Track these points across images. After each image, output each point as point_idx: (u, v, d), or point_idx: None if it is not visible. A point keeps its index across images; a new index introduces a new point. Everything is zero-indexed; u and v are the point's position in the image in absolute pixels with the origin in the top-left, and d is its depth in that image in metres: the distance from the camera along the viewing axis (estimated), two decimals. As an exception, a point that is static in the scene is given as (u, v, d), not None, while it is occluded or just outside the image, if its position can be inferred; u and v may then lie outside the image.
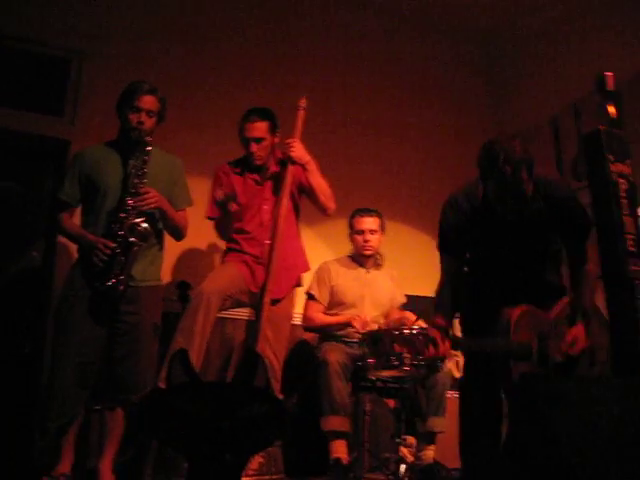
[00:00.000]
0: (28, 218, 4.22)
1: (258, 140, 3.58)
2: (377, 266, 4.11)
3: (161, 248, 3.33)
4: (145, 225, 3.07)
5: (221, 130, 4.27)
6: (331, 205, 3.64)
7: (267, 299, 3.35)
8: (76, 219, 3.30)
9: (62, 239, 3.61)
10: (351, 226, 4.10)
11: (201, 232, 3.84)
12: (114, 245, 3.02)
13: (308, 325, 3.99)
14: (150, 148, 3.14)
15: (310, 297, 4.01)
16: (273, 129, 3.63)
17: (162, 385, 3.03)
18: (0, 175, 4.23)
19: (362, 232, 4.03)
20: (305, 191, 3.68)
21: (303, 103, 3.61)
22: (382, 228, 4.09)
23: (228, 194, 3.47)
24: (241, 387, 2.19)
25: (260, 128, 3.58)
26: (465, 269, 2.85)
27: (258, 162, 3.62)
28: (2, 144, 4.21)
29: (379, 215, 4.08)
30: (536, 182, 2.59)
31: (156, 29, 4.53)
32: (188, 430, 1.99)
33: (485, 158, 2.58)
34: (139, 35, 4.46)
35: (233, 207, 3.49)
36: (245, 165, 3.68)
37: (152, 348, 3.20)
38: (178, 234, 3.40)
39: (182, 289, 3.66)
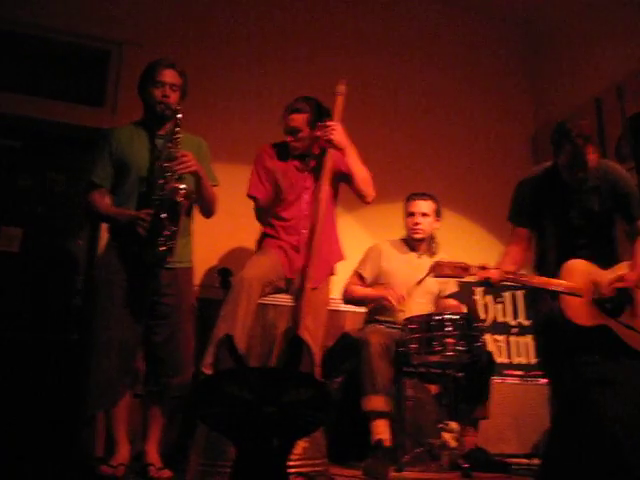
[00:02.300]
0: (73, 207, 4.27)
1: (294, 131, 3.59)
2: (431, 253, 4.06)
3: (190, 230, 3.32)
4: (185, 186, 3.03)
5: (256, 116, 4.34)
6: (371, 192, 3.61)
7: (308, 285, 3.33)
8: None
9: (105, 228, 3.67)
10: (404, 209, 4.10)
11: (241, 219, 3.87)
12: (153, 211, 3.01)
13: (346, 296, 4.00)
14: (181, 116, 3.13)
15: (357, 274, 4.01)
16: (313, 122, 3.61)
17: (207, 371, 3.06)
18: (43, 165, 4.34)
19: (413, 214, 4.02)
20: (344, 178, 3.65)
21: (342, 89, 3.56)
22: (436, 213, 4.06)
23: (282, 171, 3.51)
24: (287, 372, 2.19)
25: (297, 120, 3.58)
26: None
27: (295, 151, 3.63)
28: (45, 135, 4.31)
29: (434, 199, 4.05)
30: (598, 159, 3.06)
31: (193, 17, 4.57)
32: (236, 415, 2.00)
33: (559, 132, 3.03)
34: (177, 23, 4.51)
35: (285, 181, 3.53)
36: (287, 151, 3.67)
37: (191, 330, 3.23)
38: (209, 207, 3.36)
39: (224, 276, 3.68)
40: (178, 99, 3.21)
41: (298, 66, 4.72)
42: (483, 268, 2.98)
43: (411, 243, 4.08)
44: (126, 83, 4.24)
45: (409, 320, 3.55)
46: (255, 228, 3.74)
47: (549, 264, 3.11)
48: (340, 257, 3.74)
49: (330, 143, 3.51)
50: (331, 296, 3.73)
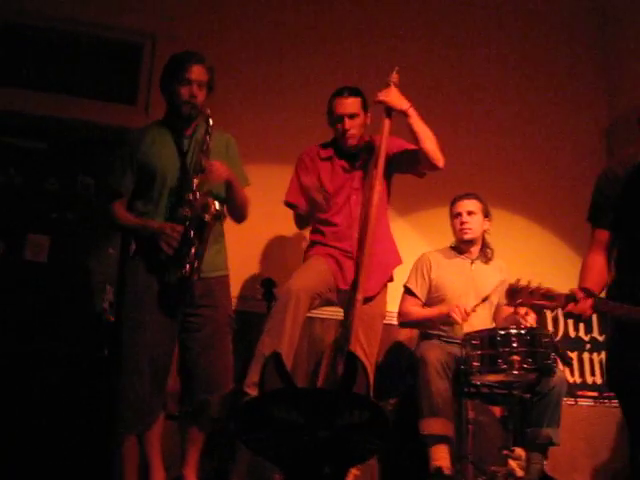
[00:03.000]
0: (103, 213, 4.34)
1: (352, 116, 3.58)
2: (485, 259, 4.06)
3: (223, 235, 3.33)
4: (218, 205, 3.06)
5: (293, 109, 4.37)
6: (440, 156, 3.52)
7: (359, 297, 3.33)
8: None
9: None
10: (450, 214, 4.10)
11: (285, 223, 3.87)
12: (183, 229, 3.03)
13: (404, 320, 3.98)
14: (212, 122, 3.14)
15: (407, 291, 3.99)
16: (365, 107, 3.63)
17: (251, 391, 3.07)
18: (71, 169, 4.40)
19: (459, 214, 4.02)
20: (398, 163, 3.62)
21: (395, 78, 3.57)
22: (484, 213, 4.05)
23: (317, 186, 3.50)
24: (340, 393, 2.21)
25: (354, 104, 3.59)
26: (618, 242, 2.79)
27: (351, 142, 3.61)
28: (72, 136, 4.37)
29: (478, 198, 4.05)
30: None
31: (229, 9, 4.63)
32: (284, 440, 2.02)
33: None
34: (211, 16, 4.55)
35: (319, 197, 3.52)
36: (334, 150, 3.67)
37: (229, 343, 3.23)
38: (242, 213, 3.39)
39: (267, 287, 3.68)
40: (205, 97, 3.23)
41: (341, 54, 4.71)
42: (573, 299, 2.49)
43: (462, 248, 4.07)
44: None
45: (470, 335, 3.53)
46: (302, 234, 3.79)
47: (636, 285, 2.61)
48: (397, 261, 3.72)
49: (387, 110, 3.49)
50: (388, 307, 3.72)
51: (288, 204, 3.67)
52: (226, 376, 3.19)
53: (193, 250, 3.02)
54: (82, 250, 4.31)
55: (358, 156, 3.67)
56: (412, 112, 3.51)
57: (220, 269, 3.27)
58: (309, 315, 3.57)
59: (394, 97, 3.52)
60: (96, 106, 4.31)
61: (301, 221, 3.72)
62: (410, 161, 3.62)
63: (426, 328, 3.95)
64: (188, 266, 3.02)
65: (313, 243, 3.67)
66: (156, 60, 4.32)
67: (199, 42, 4.19)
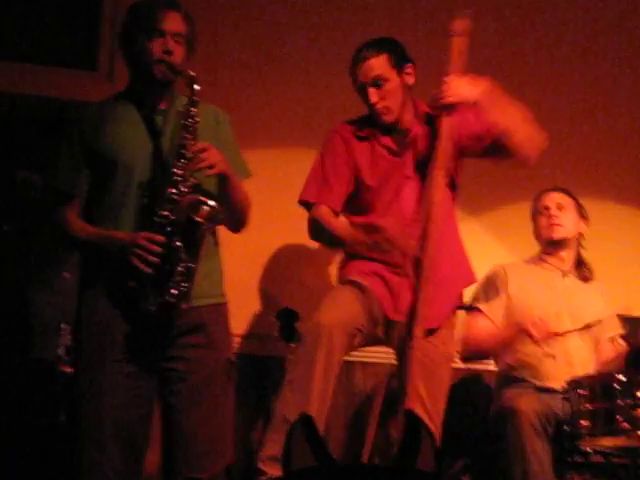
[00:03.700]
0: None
1: (377, 82, 3.54)
2: (583, 277, 4.12)
3: (218, 249, 3.30)
4: (213, 203, 2.99)
5: (315, 77, 4.45)
6: (533, 149, 3.52)
7: (419, 331, 3.29)
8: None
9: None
10: (532, 213, 4.16)
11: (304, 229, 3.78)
12: (163, 239, 2.96)
13: (468, 348, 4.00)
14: (198, 87, 3.06)
15: (478, 313, 4.02)
16: (399, 63, 3.59)
17: (270, 470, 3.06)
18: (6, 161, 4.43)
19: (546, 208, 4.08)
20: (473, 148, 3.61)
21: (460, 26, 3.52)
22: (580, 213, 4.12)
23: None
24: (397, 470, 2.18)
25: (376, 65, 3.55)
26: None
27: (386, 117, 3.58)
28: (12, 115, 4.39)
29: (569, 194, 4.13)
30: None
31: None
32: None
33: None
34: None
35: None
36: (372, 127, 3.65)
37: (227, 398, 3.20)
38: (242, 217, 3.33)
39: (286, 320, 3.70)
40: (184, 56, 3.16)
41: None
42: None
43: (550, 255, 4.11)
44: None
45: (576, 382, 3.52)
46: None
47: None
48: (469, 278, 3.76)
49: (444, 106, 3.46)
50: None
51: (305, 204, 3.66)
52: (222, 446, 3.14)
53: (180, 266, 2.97)
54: (25, 276, 4.30)
55: (408, 131, 3.64)
56: (487, 97, 3.46)
57: (214, 295, 3.20)
58: (347, 359, 3.54)
59: (457, 92, 3.45)
60: (41, 73, 4.33)
61: (318, 231, 3.64)
62: (485, 150, 3.59)
63: (511, 369, 3.94)
64: (174, 290, 2.96)
65: (350, 257, 3.64)
66: (121, 9, 4.14)
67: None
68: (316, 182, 3.64)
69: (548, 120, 4.67)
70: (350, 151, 3.64)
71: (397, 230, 3.35)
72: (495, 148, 3.54)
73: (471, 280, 3.76)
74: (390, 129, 3.63)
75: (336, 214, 3.60)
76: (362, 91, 3.58)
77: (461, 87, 3.46)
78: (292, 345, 3.53)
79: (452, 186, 3.68)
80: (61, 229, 3.19)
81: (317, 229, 3.61)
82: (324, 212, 3.58)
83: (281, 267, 4.36)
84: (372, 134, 3.64)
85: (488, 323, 3.98)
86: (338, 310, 3.34)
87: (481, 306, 4.00)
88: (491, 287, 4.04)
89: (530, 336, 3.71)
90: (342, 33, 4.51)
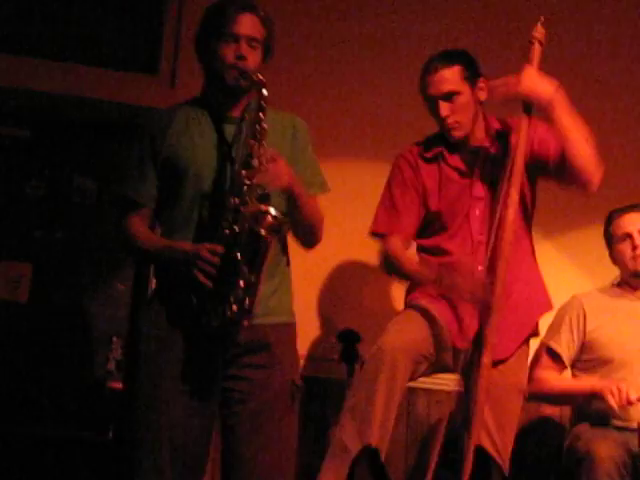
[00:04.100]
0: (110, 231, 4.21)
1: (448, 96, 3.49)
2: None
3: (288, 264, 3.27)
4: (276, 213, 2.93)
5: (390, 86, 4.42)
6: (594, 174, 3.41)
7: (487, 360, 3.27)
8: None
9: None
10: (609, 237, 4.04)
11: (372, 250, 3.77)
12: (225, 251, 2.93)
13: (535, 390, 3.90)
14: (266, 92, 3.01)
15: (547, 351, 3.93)
16: (472, 77, 3.53)
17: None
18: (63, 166, 4.45)
19: (628, 236, 3.94)
20: (542, 165, 3.52)
21: (539, 32, 3.45)
22: None
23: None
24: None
25: (449, 77, 3.50)
26: None
27: (456, 133, 3.52)
28: (69, 119, 4.46)
29: None
30: None
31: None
32: None
33: None
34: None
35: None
36: (441, 146, 3.60)
37: (291, 422, 3.14)
38: (313, 234, 3.28)
39: (347, 342, 3.68)
40: (260, 61, 3.13)
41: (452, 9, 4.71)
42: None
43: (633, 286, 4.00)
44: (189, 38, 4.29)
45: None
46: None
47: None
48: (544, 305, 3.66)
49: (526, 101, 3.41)
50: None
51: (376, 235, 3.64)
52: (281, 474, 3.09)
53: (242, 282, 2.90)
54: (77, 285, 4.32)
55: (479, 149, 3.59)
56: (559, 102, 3.38)
57: (281, 313, 3.16)
58: (410, 385, 3.55)
59: (533, 82, 3.39)
60: (100, 76, 4.33)
61: (389, 267, 3.62)
62: (551, 169, 3.53)
63: (585, 406, 3.88)
64: (235, 306, 2.90)
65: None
66: (185, 10, 4.36)
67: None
68: (386, 212, 3.62)
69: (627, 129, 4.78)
70: (418, 176, 3.61)
71: (468, 273, 3.37)
72: (557, 170, 3.49)
73: (547, 307, 3.65)
74: (459, 147, 3.59)
75: (408, 243, 3.60)
76: (432, 104, 3.54)
77: (537, 79, 3.40)
78: (353, 368, 3.53)
79: (525, 204, 3.62)
80: (127, 238, 3.15)
81: (388, 264, 3.61)
82: (395, 246, 3.56)
83: (342, 286, 4.36)
84: (440, 154, 3.60)
85: (558, 365, 3.92)
86: (403, 335, 3.31)
87: (553, 344, 3.91)
88: (565, 322, 3.94)
89: (607, 403, 3.60)
90: (417, 44, 4.50)
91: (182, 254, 3.00)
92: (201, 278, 2.92)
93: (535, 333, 3.65)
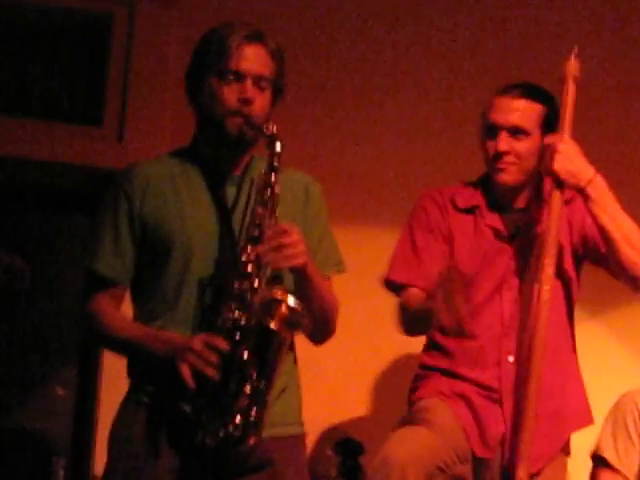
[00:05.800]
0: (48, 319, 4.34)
1: (516, 131, 3.36)
2: None
3: (296, 362, 3.09)
4: (293, 302, 2.75)
5: (408, 135, 4.42)
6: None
7: (522, 474, 3.16)
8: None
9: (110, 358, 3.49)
10: None
11: (379, 331, 3.90)
12: (228, 346, 2.72)
13: None
14: (280, 147, 2.84)
15: (600, 462, 3.68)
16: (548, 125, 3.39)
17: None
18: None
19: None
20: (593, 253, 3.47)
21: (574, 68, 3.33)
22: None
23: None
24: None
25: (525, 109, 3.41)
26: None
27: (505, 177, 3.40)
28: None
29: None
30: None
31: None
32: None
33: None
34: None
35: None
36: (483, 196, 3.50)
37: None
38: (325, 325, 3.06)
39: (346, 454, 3.72)
40: (269, 104, 2.95)
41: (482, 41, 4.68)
42: None
43: None
44: (145, 76, 4.28)
45: None
46: (409, 352, 3.72)
47: None
48: (586, 419, 3.57)
49: (555, 177, 3.30)
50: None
51: (392, 285, 3.46)
52: None
53: (248, 387, 2.69)
54: (5, 393, 4.29)
55: (525, 212, 3.50)
56: (594, 189, 3.30)
57: (287, 423, 2.96)
58: None
59: (570, 162, 3.30)
60: (29, 129, 4.29)
61: (413, 321, 3.41)
62: (599, 258, 3.50)
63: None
64: (238, 417, 2.69)
65: (427, 369, 3.48)
66: (135, 42, 4.33)
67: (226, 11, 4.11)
68: (405, 259, 3.50)
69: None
70: (446, 222, 3.50)
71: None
72: (604, 257, 3.47)
73: (586, 421, 3.58)
74: (501, 205, 3.46)
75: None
76: (489, 132, 3.44)
77: (575, 159, 3.32)
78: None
79: (568, 290, 3.54)
80: (96, 323, 2.95)
81: (408, 320, 3.47)
82: (417, 299, 3.43)
83: (338, 387, 4.27)
84: (477, 208, 3.48)
85: (617, 476, 3.75)
86: (412, 443, 3.19)
87: (608, 457, 3.71)
88: (620, 428, 3.74)
89: None
90: (436, 104, 4.51)
91: (170, 346, 2.79)
92: (187, 380, 2.68)
93: (567, 450, 3.56)
